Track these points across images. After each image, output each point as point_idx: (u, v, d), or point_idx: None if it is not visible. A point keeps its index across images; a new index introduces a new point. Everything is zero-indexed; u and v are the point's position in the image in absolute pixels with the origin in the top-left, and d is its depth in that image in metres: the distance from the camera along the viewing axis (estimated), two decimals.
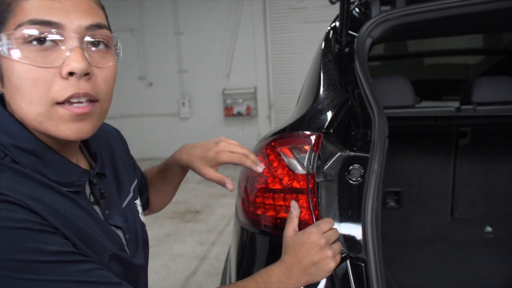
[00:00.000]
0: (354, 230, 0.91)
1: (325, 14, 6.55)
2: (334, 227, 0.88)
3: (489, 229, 2.22)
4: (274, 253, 0.96)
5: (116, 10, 7.44)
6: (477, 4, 1.33)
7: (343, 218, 0.92)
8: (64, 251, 0.57)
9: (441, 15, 1.36)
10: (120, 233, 0.77)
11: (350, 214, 0.93)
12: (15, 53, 0.59)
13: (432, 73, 3.12)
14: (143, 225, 0.88)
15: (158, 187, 1.09)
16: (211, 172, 0.92)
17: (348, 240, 0.90)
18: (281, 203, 0.93)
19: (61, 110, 0.61)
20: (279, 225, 0.93)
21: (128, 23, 7.67)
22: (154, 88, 7.95)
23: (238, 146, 0.92)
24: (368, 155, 0.98)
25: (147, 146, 7.69)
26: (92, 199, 0.74)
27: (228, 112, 7.60)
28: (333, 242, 0.84)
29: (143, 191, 1.05)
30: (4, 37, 0.59)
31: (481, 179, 2.21)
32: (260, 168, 0.90)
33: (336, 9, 1.37)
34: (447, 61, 3.12)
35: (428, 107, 1.77)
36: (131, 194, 0.88)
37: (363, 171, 0.96)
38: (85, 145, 0.80)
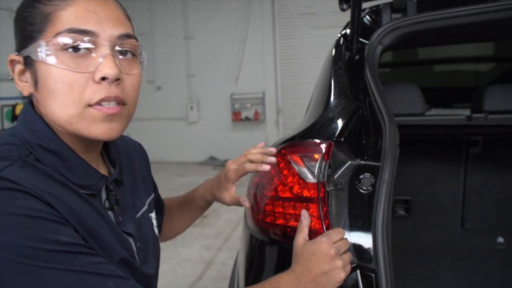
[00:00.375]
0: (364, 239, 0.90)
1: (335, 20, 6.55)
2: (344, 237, 0.88)
3: (501, 239, 2.18)
4: (283, 261, 0.95)
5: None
6: (489, 13, 1.32)
7: (353, 228, 0.92)
8: (75, 243, 0.59)
9: (453, 23, 1.35)
10: (131, 240, 0.78)
11: (361, 223, 0.92)
12: (53, 59, 0.63)
13: (441, 80, 3.10)
14: (156, 237, 0.89)
15: (174, 217, 1.12)
16: (227, 197, 0.98)
17: (358, 250, 0.90)
18: (291, 211, 0.92)
19: (93, 111, 0.65)
20: (289, 233, 0.92)
21: (137, 26, 7.70)
22: (162, 92, 8.00)
23: (243, 155, 0.97)
24: (379, 164, 0.97)
25: (154, 150, 7.69)
26: (107, 204, 0.75)
27: (236, 116, 7.62)
28: (344, 252, 0.84)
29: (157, 213, 1.06)
30: (43, 44, 0.63)
31: (493, 188, 2.18)
32: (266, 166, 0.92)
33: (345, 15, 1.37)
34: (457, 68, 3.10)
35: (439, 115, 1.75)
36: (145, 207, 0.89)
37: (373, 180, 0.95)
38: (107, 153, 0.83)
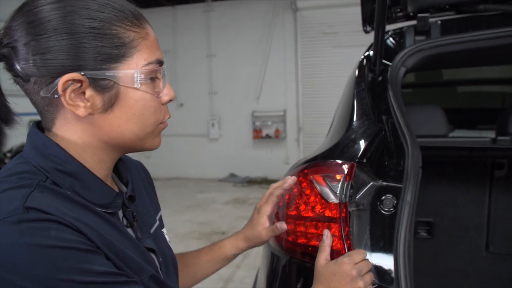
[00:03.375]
0: (385, 261, 0.90)
1: (356, 39, 6.56)
2: (366, 258, 0.88)
3: None
4: (304, 280, 0.96)
5: None
6: None
7: (374, 248, 0.92)
8: (109, 272, 0.60)
9: (477, 46, 1.36)
10: (153, 256, 0.79)
11: (382, 244, 0.92)
12: (144, 86, 0.69)
13: (465, 101, 3.07)
14: (172, 252, 0.90)
15: (189, 268, 1.03)
16: (263, 232, 0.97)
17: (379, 271, 0.90)
18: (313, 231, 0.93)
19: (161, 126, 0.76)
20: (310, 252, 0.93)
21: (161, 44, 7.81)
22: (184, 109, 8.11)
23: (268, 190, 0.99)
24: (401, 185, 0.98)
25: (175, 166, 7.79)
26: (125, 221, 0.76)
27: (257, 134, 7.66)
28: (365, 273, 0.84)
29: None
30: (138, 72, 0.67)
31: None
32: (290, 180, 0.96)
33: (367, 34, 1.39)
34: (481, 89, 3.07)
35: (463, 137, 1.73)
36: (157, 223, 0.89)
37: (395, 201, 0.96)
38: (116, 170, 0.82)
